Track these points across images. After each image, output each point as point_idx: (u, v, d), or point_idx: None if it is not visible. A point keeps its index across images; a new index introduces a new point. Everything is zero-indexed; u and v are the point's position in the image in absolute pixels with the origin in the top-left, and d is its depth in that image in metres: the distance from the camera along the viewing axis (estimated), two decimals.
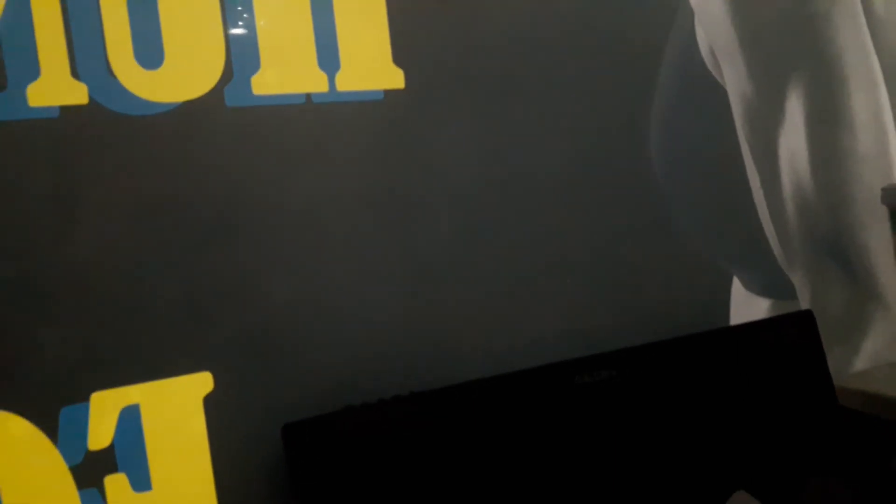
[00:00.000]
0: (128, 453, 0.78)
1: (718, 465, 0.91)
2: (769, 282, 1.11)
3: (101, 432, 0.77)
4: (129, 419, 0.78)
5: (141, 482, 0.79)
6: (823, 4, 1.12)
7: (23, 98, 0.74)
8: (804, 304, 1.12)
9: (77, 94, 0.76)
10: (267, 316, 0.84)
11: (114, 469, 0.77)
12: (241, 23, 0.83)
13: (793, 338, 0.99)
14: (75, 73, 0.76)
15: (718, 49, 1.07)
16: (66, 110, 0.76)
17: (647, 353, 0.91)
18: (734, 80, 1.08)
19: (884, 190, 1.03)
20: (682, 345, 0.93)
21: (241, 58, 0.83)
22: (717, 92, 1.08)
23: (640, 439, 0.88)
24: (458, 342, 0.94)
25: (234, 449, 0.82)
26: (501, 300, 0.96)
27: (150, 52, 0.79)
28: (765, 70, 1.09)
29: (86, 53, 0.77)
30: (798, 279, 1.12)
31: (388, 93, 0.89)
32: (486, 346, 0.94)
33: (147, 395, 0.79)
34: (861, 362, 1.13)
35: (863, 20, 1.14)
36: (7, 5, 0.74)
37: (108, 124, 0.78)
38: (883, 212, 1.04)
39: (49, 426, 0.75)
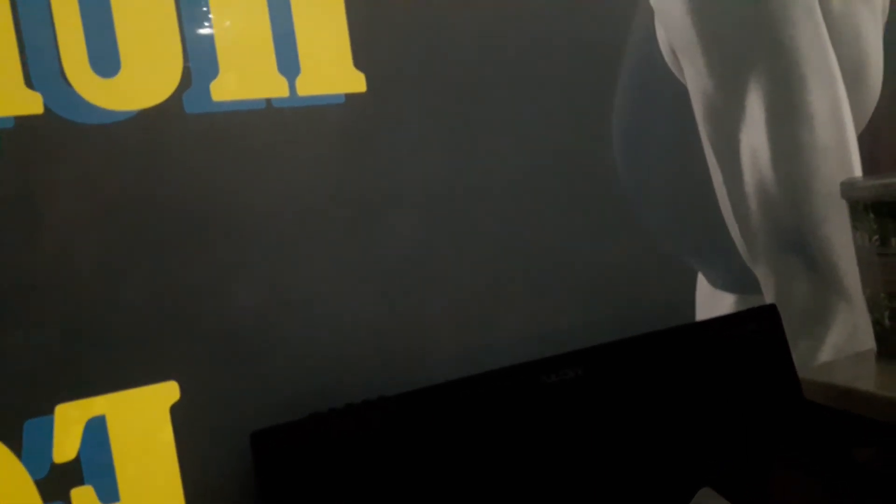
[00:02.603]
0: (94, 465, 0.77)
1: (685, 461, 0.92)
2: (733, 277, 1.12)
3: (66, 445, 0.76)
4: (95, 431, 0.77)
5: (109, 494, 0.78)
6: (782, 3, 1.13)
7: None
8: (768, 298, 1.13)
9: (32, 103, 0.75)
10: (233, 323, 0.84)
11: (80, 481, 0.77)
12: (198, 28, 0.82)
13: (757, 332, 1.00)
14: (29, 83, 0.75)
15: (678, 48, 1.08)
16: (21, 120, 0.75)
17: (612, 350, 0.92)
18: (694, 78, 1.09)
19: (843, 184, 1.04)
20: (646, 342, 0.94)
21: (200, 63, 0.82)
22: (678, 90, 1.09)
23: (606, 437, 0.89)
24: (427, 345, 0.94)
25: (202, 458, 0.82)
26: (469, 302, 0.96)
27: (105, 59, 0.78)
28: (724, 68, 1.10)
29: (39, 62, 0.76)
30: (762, 274, 1.13)
31: (349, 96, 0.89)
32: (455, 349, 0.95)
33: (113, 406, 0.78)
34: (825, 354, 1.14)
35: (820, 16, 1.16)
36: None
37: (64, 134, 0.77)
38: (842, 205, 1.06)
39: (13, 440, 0.74)
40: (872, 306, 1.04)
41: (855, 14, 1.20)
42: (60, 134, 0.77)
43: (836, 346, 1.15)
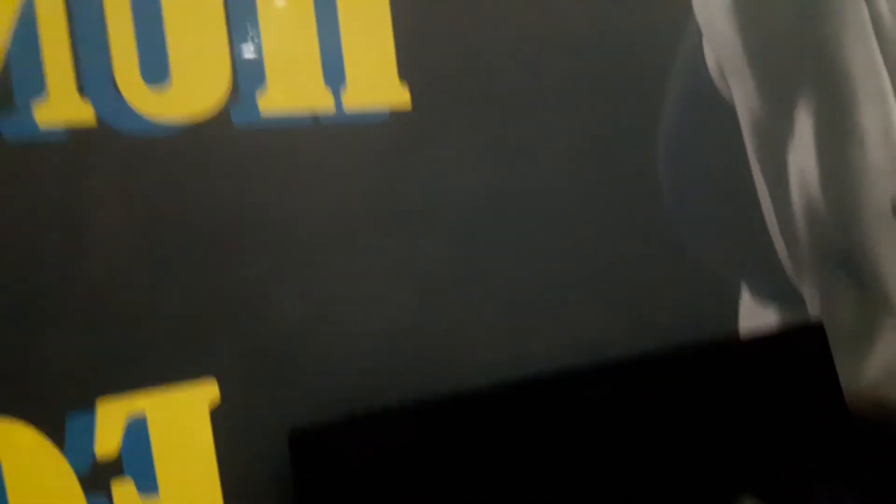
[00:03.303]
0: (135, 460, 0.78)
1: (729, 476, 0.91)
2: (778, 292, 1.11)
3: (108, 440, 0.77)
4: (136, 427, 0.79)
5: (148, 488, 0.79)
6: (832, 24, 1.13)
7: (30, 118, 0.76)
8: (813, 313, 1.12)
9: (84, 113, 0.77)
10: (274, 328, 0.85)
11: (121, 474, 0.78)
12: (247, 41, 0.84)
13: (803, 349, 1.00)
14: (82, 92, 0.77)
15: (727, 67, 1.09)
16: (73, 131, 0.77)
17: (655, 362, 0.92)
18: (743, 97, 1.09)
19: (893, 202, 1.02)
20: (691, 355, 0.93)
21: (248, 76, 0.84)
22: (726, 108, 1.10)
23: (648, 450, 0.89)
24: (462, 354, 0.94)
25: (240, 457, 0.83)
26: (506, 314, 0.97)
27: (156, 70, 0.80)
28: (773, 87, 1.11)
29: (92, 72, 0.78)
30: (807, 289, 1.12)
31: (393, 114, 0.91)
32: (490, 358, 0.95)
33: (153, 403, 0.79)
34: (872, 372, 1.12)
35: (873, 37, 1.15)
36: (17, 27, 0.75)
37: (115, 144, 0.79)
38: (893, 224, 1.03)
39: (55, 434, 0.75)
40: None
41: None
42: (111, 144, 0.79)
43: (883, 364, 1.13)
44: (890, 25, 1.17)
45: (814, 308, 1.12)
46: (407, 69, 0.91)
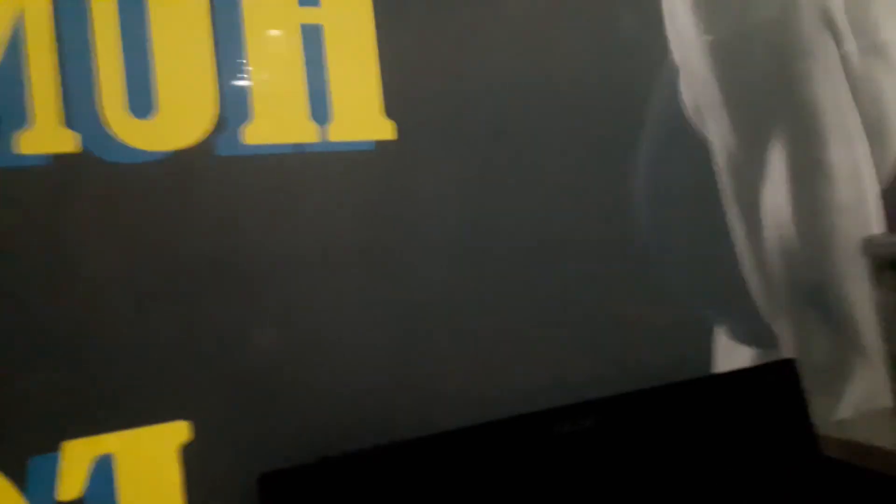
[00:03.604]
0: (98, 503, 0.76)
1: None
2: (752, 331, 1.12)
3: (71, 483, 0.75)
4: (102, 469, 0.77)
5: None
6: (804, 64, 1.15)
7: (10, 146, 0.75)
8: (787, 352, 1.13)
9: (69, 142, 0.77)
10: (248, 365, 0.84)
11: None
12: (234, 74, 0.84)
13: (776, 386, 0.99)
14: (68, 122, 0.77)
15: (702, 105, 1.10)
16: (58, 158, 0.77)
17: (628, 401, 0.91)
18: (718, 134, 1.10)
19: (864, 241, 1.04)
20: (663, 393, 0.93)
21: (233, 108, 0.84)
22: (701, 146, 1.10)
23: (621, 488, 0.88)
24: (441, 393, 0.93)
25: (210, 499, 0.81)
26: (486, 351, 0.96)
27: (142, 101, 0.80)
28: (748, 126, 1.12)
29: (78, 103, 0.77)
30: (781, 328, 1.13)
31: (379, 143, 0.91)
32: (470, 396, 0.94)
33: (122, 445, 0.77)
34: (844, 411, 1.14)
35: (842, 77, 1.17)
36: (4, 57, 0.75)
37: (99, 172, 0.78)
38: (863, 262, 1.05)
39: (17, 476, 0.74)
40: (893, 363, 1.03)
41: (875, 76, 1.22)
42: (95, 172, 0.78)
43: (855, 403, 1.14)
44: (857, 65, 1.20)
45: (788, 347, 1.13)
46: (392, 102, 0.91)
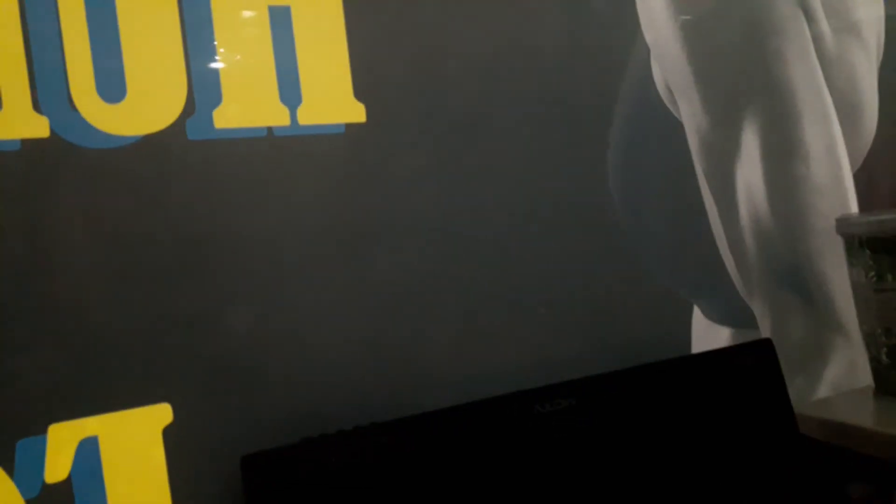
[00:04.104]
0: (86, 486, 0.77)
1: (678, 493, 0.91)
2: (729, 311, 1.12)
3: (58, 465, 0.76)
4: (88, 451, 0.77)
5: None
6: (777, 43, 1.16)
7: None
8: (764, 332, 1.13)
9: (38, 127, 0.77)
10: (227, 347, 0.84)
11: (71, 502, 0.77)
12: (203, 57, 0.84)
13: (753, 366, 0.99)
14: (37, 107, 0.77)
15: (674, 84, 1.10)
16: (27, 143, 0.77)
17: (605, 381, 0.92)
18: (690, 114, 1.10)
19: (838, 220, 1.05)
20: (640, 373, 0.94)
21: (203, 92, 0.84)
22: (674, 126, 1.11)
23: (599, 468, 0.88)
24: (420, 373, 0.94)
25: (193, 480, 0.81)
26: (463, 332, 0.97)
27: (112, 85, 0.80)
28: (719, 105, 1.12)
29: (47, 87, 0.77)
30: (758, 308, 1.13)
31: (349, 126, 0.91)
32: (448, 378, 0.95)
33: (106, 427, 0.78)
34: (822, 391, 1.14)
35: (814, 57, 1.18)
36: None
37: (69, 157, 0.78)
38: (838, 241, 1.06)
39: (5, 459, 0.74)
40: (869, 343, 1.04)
41: (849, 56, 1.22)
42: (65, 157, 0.78)
43: (833, 383, 1.14)
44: (831, 45, 1.20)
45: (764, 327, 1.13)
46: (362, 84, 0.91)
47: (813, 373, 1.14)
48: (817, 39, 1.18)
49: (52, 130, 0.78)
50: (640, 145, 1.08)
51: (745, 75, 1.13)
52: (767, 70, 1.15)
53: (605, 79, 1.08)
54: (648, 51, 1.09)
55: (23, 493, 0.75)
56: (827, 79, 1.18)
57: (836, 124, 1.17)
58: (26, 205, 0.77)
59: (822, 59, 1.18)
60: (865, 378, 1.09)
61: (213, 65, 0.85)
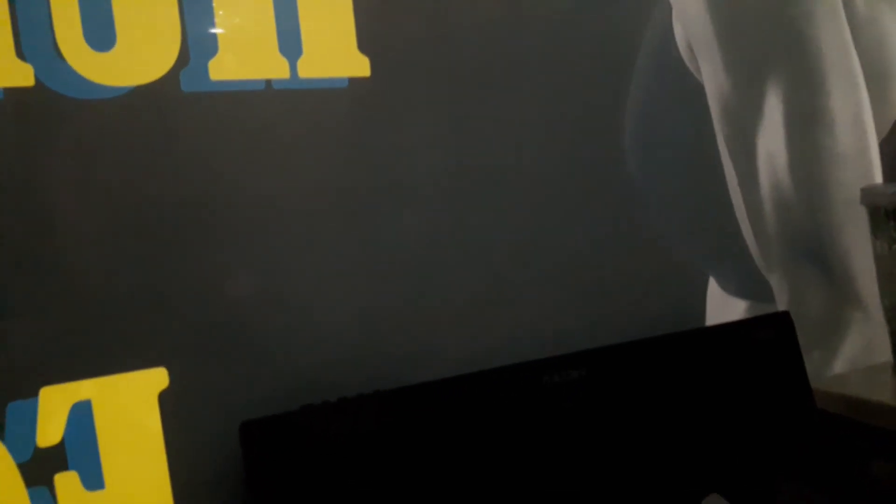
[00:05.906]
0: (79, 450, 0.76)
1: (692, 466, 0.89)
2: (746, 283, 1.09)
3: (50, 428, 0.75)
4: (81, 415, 0.76)
5: (93, 480, 0.76)
6: (805, 2, 1.11)
7: None
8: (781, 305, 1.11)
9: (23, 75, 0.74)
10: (225, 311, 0.82)
11: (64, 466, 0.75)
12: (198, 5, 0.80)
13: (769, 339, 0.97)
14: (20, 55, 0.74)
15: (696, 45, 1.06)
16: (10, 92, 0.73)
17: (617, 352, 0.90)
18: (711, 76, 1.06)
19: (863, 190, 1.01)
20: (654, 345, 0.91)
21: (198, 41, 0.80)
22: (695, 89, 1.07)
23: (611, 440, 0.87)
24: (427, 341, 0.92)
25: (190, 446, 0.80)
26: (471, 299, 0.94)
27: (100, 33, 0.76)
28: (743, 67, 1.07)
29: (32, 34, 0.74)
30: (776, 281, 1.11)
31: (352, 80, 0.87)
32: (456, 347, 0.92)
33: (99, 391, 0.76)
34: (839, 365, 1.12)
35: (843, 19, 1.13)
36: None
37: (56, 108, 0.75)
38: (862, 212, 1.03)
39: None
40: (890, 316, 1.01)
41: (880, 20, 1.17)
42: (51, 108, 0.75)
43: (852, 358, 1.12)
44: (861, 9, 1.16)
45: (781, 299, 1.10)
46: (366, 36, 0.88)
47: (831, 347, 1.12)
48: (846, 2, 1.13)
49: (37, 79, 0.74)
50: (658, 107, 1.04)
51: (770, 35, 1.09)
52: (794, 32, 1.10)
53: (625, 37, 1.04)
54: (671, 9, 1.05)
55: (14, 456, 0.73)
56: (856, 43, 1.13)
57: (864, 91, 1.13)
58: (12, 158, 0.74)
59: (851, 22, 1.13)
60: (883, 354, 1.07)
61: (209, 13, 0.81)
